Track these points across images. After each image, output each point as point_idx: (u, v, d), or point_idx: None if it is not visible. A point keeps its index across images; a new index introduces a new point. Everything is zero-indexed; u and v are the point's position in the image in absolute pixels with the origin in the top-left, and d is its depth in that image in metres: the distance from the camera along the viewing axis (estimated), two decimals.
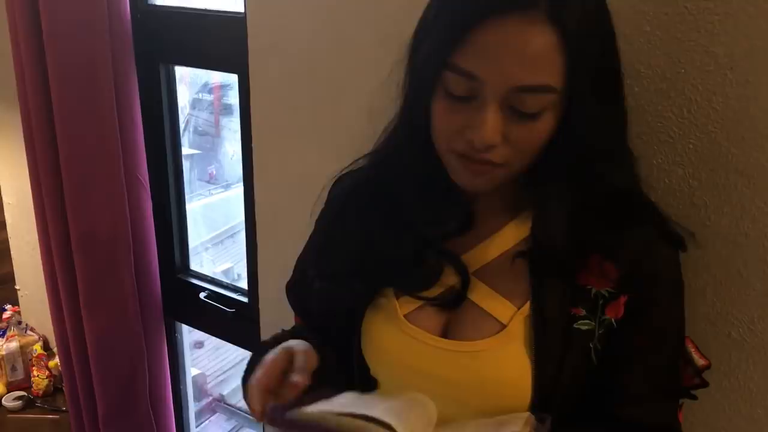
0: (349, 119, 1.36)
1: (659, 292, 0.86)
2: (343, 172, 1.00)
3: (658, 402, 0.92)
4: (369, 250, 0.90)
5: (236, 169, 1.94)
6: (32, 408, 2.30)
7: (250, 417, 2.87)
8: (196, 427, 2.47)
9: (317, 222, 1.02)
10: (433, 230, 0.89)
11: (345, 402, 0.81)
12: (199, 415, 2.98)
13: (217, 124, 2.96)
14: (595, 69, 0.75)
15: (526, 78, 0.72)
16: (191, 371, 2.32)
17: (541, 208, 0.84)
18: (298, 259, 1.05)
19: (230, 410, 3.10)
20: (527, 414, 0.78)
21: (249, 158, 1.57)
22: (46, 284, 2.03)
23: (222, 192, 3.07)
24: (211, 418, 3.09)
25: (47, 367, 2.35)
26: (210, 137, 2.87)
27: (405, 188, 0.88)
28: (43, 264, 2.00)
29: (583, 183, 0.81)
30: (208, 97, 2.88)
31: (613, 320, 0.84)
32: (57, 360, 2.28)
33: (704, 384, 0.98)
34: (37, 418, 2.28)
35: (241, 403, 3.06)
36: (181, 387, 2.21)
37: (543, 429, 0.76)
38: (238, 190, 1.79)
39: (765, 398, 1.05)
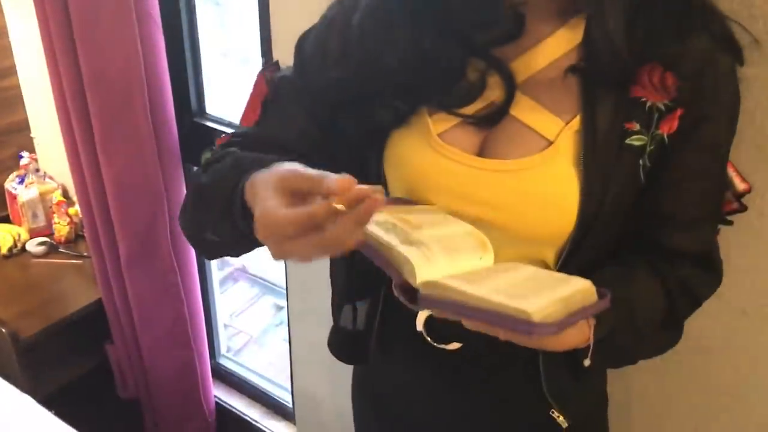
0: None
1: (718, 107, 0.80)
2: None
3: (704, 228, 0.88)
4: (420, 60, 0.81)
5: None
6: (56, 253, 2.33)
7: (271, 284, 2.94)
8: (221, 289, 2.50)
9: (330, 20, 0.89)
10: (481, 35, 0.80)
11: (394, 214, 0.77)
12: (222, 283, 3.03)
13: None
14: None
15: None
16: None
17: (596, 5, 0.75)
18: (313, 35, 0.91)
19: (252, 278, 3.16)
20: (588, 282, 0.73)
21: None
22: (61, 130, 1.98)
23: None
24: (234, 286, 3.15)
25: (68, 214, 2.36)
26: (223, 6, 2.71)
27: None
28: (57, 109, 1.95)
29: None
30: None
31: (665, 135, 0.78)
32: (77, 207, 2.29)
33: (743, 208, 0.94)
34: (61, 263, 2.30)
35: (263, 273, 3.09)
36: None
37: (602, 305, 0.72)
38: None
39: None
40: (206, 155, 0.90)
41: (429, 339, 0.88)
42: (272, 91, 0.91)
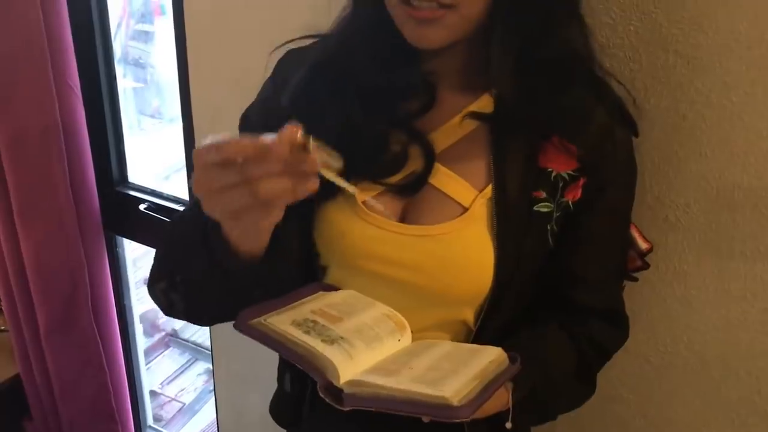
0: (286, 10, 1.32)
1: (617, 175, 0.88)
2: (290, 48, 0.94)
3: (610, 286, 0.95)
4: (350, 134, 0.85)
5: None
6: None
7: (204, 349, 2.81)
8: (146, 364, 2.45)
9: (266, 100, 0.94)
10: (400, 107, 0.86)
11: (314, 308, 0.80)
12: (152, 350, 2.96)
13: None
14: None
15: None
16: (142, 307, 2.26)
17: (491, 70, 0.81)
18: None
19: (183, 344, 3.08)
20: (499, 349, 0.78)
21: (183, 57, 1.51)
22: None
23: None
24: (165, 352, 3.06)
25: None
26: (151, 68, 2.71)
27: (365, 67, 0.85)
28: None
29: (531, 37, 0.79)
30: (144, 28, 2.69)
31: (570, 203, 0.85)
32: None
33: (646, 266, 1.00)
34: None
35: (195, 337, 3.04)
36: (125, 303, 2.18)
37: (513, 369, 0.76)
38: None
39: (698, 279, 1.08)
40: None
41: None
42: None
